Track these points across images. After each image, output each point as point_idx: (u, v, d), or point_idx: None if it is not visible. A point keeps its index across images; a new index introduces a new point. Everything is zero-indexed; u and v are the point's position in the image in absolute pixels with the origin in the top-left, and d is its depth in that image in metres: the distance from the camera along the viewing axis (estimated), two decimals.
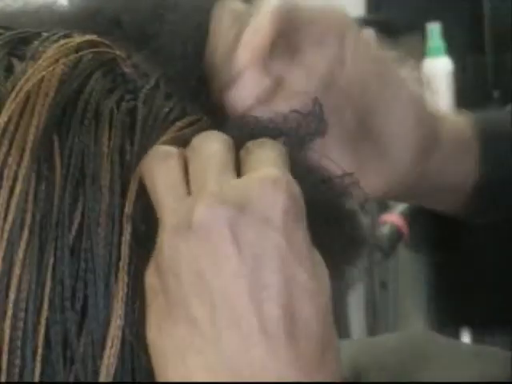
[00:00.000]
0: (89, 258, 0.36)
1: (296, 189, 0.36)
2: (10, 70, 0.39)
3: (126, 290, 0.36)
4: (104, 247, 0.36)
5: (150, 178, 0.37)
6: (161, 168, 0.37)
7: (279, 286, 0.35)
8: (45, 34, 0.41)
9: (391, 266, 1.74)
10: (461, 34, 1.78)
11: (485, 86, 1.73)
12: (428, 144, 0.49)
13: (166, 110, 0.40)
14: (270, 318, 0.35)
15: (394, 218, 1.40)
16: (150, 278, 0.36)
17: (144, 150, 0.38)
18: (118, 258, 0.37)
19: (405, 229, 1.38)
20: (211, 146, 0.38)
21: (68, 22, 0.44)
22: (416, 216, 1.48)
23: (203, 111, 0.41)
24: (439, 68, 1.68)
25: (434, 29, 1.68)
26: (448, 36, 1.69)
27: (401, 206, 1.44)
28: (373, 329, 1.72)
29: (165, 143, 0.39)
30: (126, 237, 0.37)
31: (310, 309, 0.35)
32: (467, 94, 1.72)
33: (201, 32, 0.43)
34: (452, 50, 1.69)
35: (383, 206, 1.56)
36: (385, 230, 1.37)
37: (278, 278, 0.35)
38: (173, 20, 0.43)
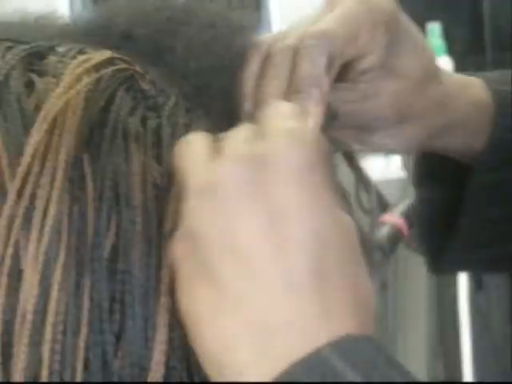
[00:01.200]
0: (126, 280, 0.36)
1: (313, 137, 0.36)
2: (29, 86, 0.38)
3: (168, 315, 0.36)
4: (140, 269, 0.36)
5: (179, 158, 0.37)
6: (188, 147, 0.37)
7: (301, 238, 0.35)
8: (59, 50, 0.41)
9: (391, 266, 1.74)
10: (461, 34, 1.78)
11: None
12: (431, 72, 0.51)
13: (189, 128, 0.40)
14: (293, 271, 0.34)
15: (393, 218, 1.40)
16: (177, 247, 0.36)
17: (171, 168, 0.38)
18: (156, 280, 0.36)
19: (405, 229, 1.38)
20: (238, 131, 0.38)
21: (77, 36, 0.44)
22: (416, 216, 1.48)
23: (219, 127, 0.41)
24: None
25: (434, 29, 1.68)
26: (448, 36, 1.69)
27: (401, 206, 1.44)
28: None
29: None
30: (166, 259, 0.36)
31: (334, 261, 0.35)
32: None
33: (215, 47, 0.43)
34: (452, 50, 1.69)
35: (383, 206, 1.56)
36: (385, 230, 1.37)
37: (300, 230, 0.35)
38: (187, 35, 0.43)
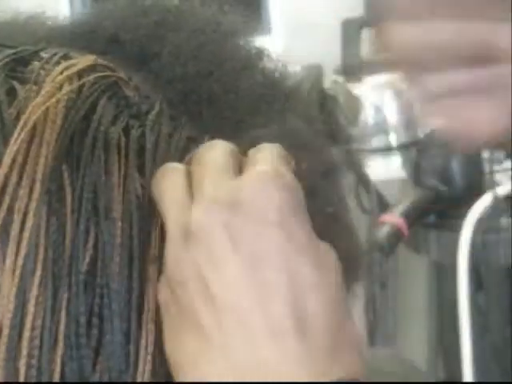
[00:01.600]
0: (104, 294, 0.35)
1: (291, 181, 0.36)
2: (11, 93, 0.38)
3: (151, 335, 0.36)
4: (120, 282, 0.36)
5: (157, 194, 0.37)
6: (166, 183, 0.37)
7: (281, 282, 0.34)
8: (43, 55, 0.40)
9: (391, 266, 1.74)
10: None
11: None
12: None
13: (175, 139, 0.39)
14: (275, 317, 0.34)
15: (393, 218, 1.40)
16: (161, 292, 0.36)
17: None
18: (136, 294, 0.36)
19: (405, 229, 1.38)
20: (211, 153, 0.38)
21: (64, 39, 0.43)
22: (416, 216, 1.48)
23: (204, 132, 0.41)
24: None
25: None
26: None
27: (401, 206, 1.44)
28: (373, 329, 1.72)
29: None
30: (151, 275, 0.36)
31: (316, 303, 0.35)
32: None
33: (202, 53, 0.43)
34: None
35: (383, 206, 1.56)
36: (385, 230, 1.37)
37: (280, 274, 0.35)
38: (174, 40, 0.42)
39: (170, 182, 0.37)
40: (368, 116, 1.67)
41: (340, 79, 1.70)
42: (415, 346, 1.81)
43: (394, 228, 1.38)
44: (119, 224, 0.36)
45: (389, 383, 0.58)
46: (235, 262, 0.34)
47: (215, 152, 0.38)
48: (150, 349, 0.36)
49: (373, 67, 1.76)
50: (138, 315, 0.36)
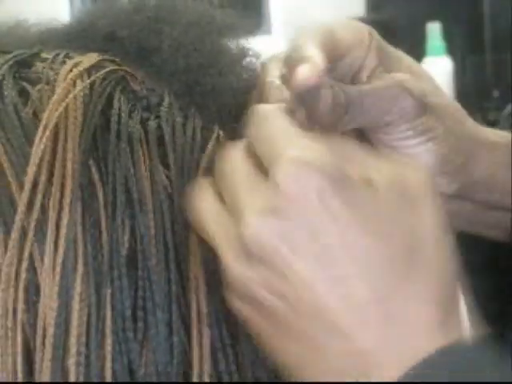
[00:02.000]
0: (146, 286, 0.35)
1: (320, 167, 0.34)
2: (23, 94, 0.38)
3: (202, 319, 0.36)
4: (159, 274, 0.35)
5: (196, 218, 0.36)
6: (201, 206, 0.36)
7: (357, 276, 0.34)
8: (45, 55, 0.40)
9: None
10: (461, 34, 1.78)
11: (485, 85, 1.73)
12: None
13: (189, 128, 0.39)
14: (363, 311, 0.34)
15: None
16: (235, 305, 0.35)
17: (179, 169, 0.38)
18: (176, 285, 0.35)
19: None
20: (230, 163, 0.37)
21: (59, 40, 0.43)
22: None
23: (210, 122, 0.41)
24: (439, 68, 1.68)
25: (434, 29, 1.68)
26: (448, 36, 1.69)
27: None
28: None
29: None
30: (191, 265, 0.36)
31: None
32: (467, 93, 1.72)
33: (202, 44, 0.43)
34: (452, 50, 1.70)
35: None
36: None
37: (354, 267, 0.34)
38: (172, 33, 0.43)
39: (204, 203, 0.36)
40: None
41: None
42: None
43: None
44: (152, 215, 0.36)
45: None
46: (303, 267, 0.34)
47: (234, 160, 0.37)
48: (207, 341, 0.35)
49: None
50: (178, 306, 0.35)
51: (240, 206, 0.35)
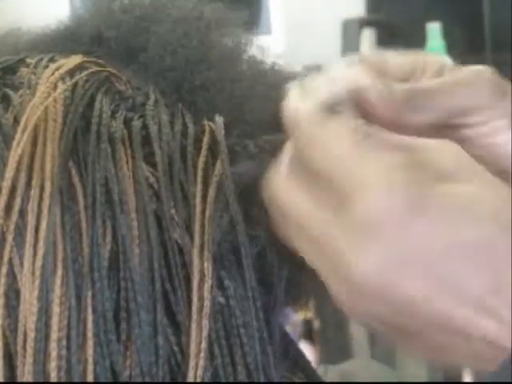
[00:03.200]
0: (129, 287, 0.35)
1: None
2: (5, 100, 0.38)
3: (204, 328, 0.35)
4: (142, 274, 0.35)
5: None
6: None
7: None
8: (29, 61, 0.40)
9: None
10: (461, 34, 1.78)
11: None
12: None
13: (176, 125, 0.39)
14: None
15: None
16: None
17: (167, 166, 0.37)
18: (160, 285, 0.35)
19: None
20: (287, 203, 0.34)
21: (46, 46, 0.43)
22: None
23: (199, 119, 0.41)
24: None
25: (434, 29, 1.68)
26: (448, 36, 1.69)
27: None
28: None
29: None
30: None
31: None
32: None
33: (189, 41, 0.43)
34: (452, 50, 1.69)
35: None
36: None
37: None
38: (158, 32, 0.42)
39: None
40: None
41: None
42: None
43: None
44: (134, 215, 0.36)
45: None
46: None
47: (285, 194, 0.34)
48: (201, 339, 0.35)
49: None
50: (164, 305, 0.35)
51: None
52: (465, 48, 1.77)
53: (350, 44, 1.75)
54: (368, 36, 1.86)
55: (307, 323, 1.72)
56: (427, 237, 0.31)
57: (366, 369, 0.63)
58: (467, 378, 1.41)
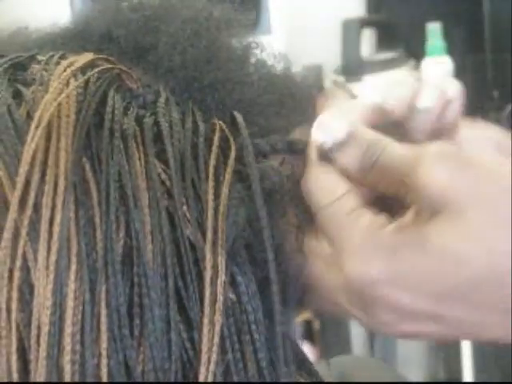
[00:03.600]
0: (142, 283, 0.35)
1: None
2: (18, 97, 0.38)
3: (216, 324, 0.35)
4: (155, 269, 0.35)
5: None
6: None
7: None
8: (40, 58, 0.40)
9: None
10: (461, 34, 1.78)
11: (485, 85, 1.73)
12: None
13: (187, 122, 0.39)
14: None
15: None
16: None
17: (179, 163, 0.38)
18: (175, 278, 0.35)
19: None
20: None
21: (55, 44, 0.44)
22: None
23: (208, 117, 0.41)
24: (439, 68, 1.68)
25: (434, 29, 1.68)
26: (448, 36, 1.69)
27: None
28: None
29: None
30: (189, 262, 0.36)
31: None
32: (467, 94, 1.71)
33: (199, 40, 0.43)
34: (452, 49, 1.69)
35: None
36: None
37: None
38: (168, 31, 0.43)
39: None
40: None
41: (340, 79, 1.70)
42: (415, 346, 1.81)
43: None
44: (147, 211, 0.36)
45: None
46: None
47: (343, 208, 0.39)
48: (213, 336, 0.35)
49: (373, 67, 1.76)
50: (177, 300, 0.35)
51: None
52: (465, 48, 1.77)
53: (349, 44, 1.75)
54: (368, 36, 1.85)
55: (307, 323, 1.72)
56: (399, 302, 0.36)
57: (364, 366, 0.63)
58: (467, 378, 1.41)
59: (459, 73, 1.69)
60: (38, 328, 0.34)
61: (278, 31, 1.88)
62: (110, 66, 0.40)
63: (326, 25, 1.82)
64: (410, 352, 1.81)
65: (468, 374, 1.41)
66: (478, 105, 1.71)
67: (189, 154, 0.38)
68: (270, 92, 0.44)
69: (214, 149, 0.39)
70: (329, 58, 1.75)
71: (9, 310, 0.34)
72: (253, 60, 0.45)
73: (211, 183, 0.38)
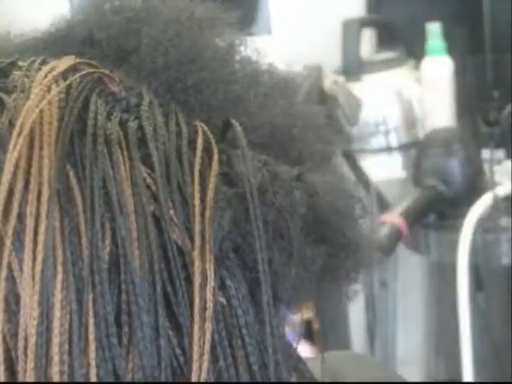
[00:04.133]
0: (130, 290, 0.34)
1: None
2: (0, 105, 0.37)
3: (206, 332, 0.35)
4: (143, 277, 0.35)
5: None
6: None
7: None
8: (21, 63, 0.40)
9: (391, 266, 1.74)
10: (461, 34, 1.78)
11: (485, 86, 1.73)
12: None
13: (171, 125, 0.39)
14: None
15: (393, 218, 1.40)
16: None
17: (164, 166, 0.37)
18: (161, 287, 0.35)
19: (405, 229, 1.38)
20: None
21: (36, 48, 0.43)
22: (416, 216, 1.48)
23: (191, 118, 0.41)
24: (439, 68, 1.68)
25: (434, 29, 1.68)
26: (448, 36, 1.69)
27: (401, 206, 1.44)
28: (373, 329, 1.72)
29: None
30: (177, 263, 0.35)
31: None
32: (467, 94, 1.72)
33: (181, 41, 0.43)
34: (452, 50, 1.69)
35: (383, 206, 1.56)
36: (385, 230, 1.37)
37: None
38: (150, 32, 0.43)
39: None
40: (368, 116, 1.67)
41: (340, 79, 1.70)
42: (415, 346, 1.82)
43: (394, 228, 1.38)
44: (133, 217, 0.35)
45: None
46: None
47: None
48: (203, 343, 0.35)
49: (373, 67, 1.76)
50: (165, 307, 0.35)
51: None
52: (465, 48, 1.77)
53: (349, 44, 1.75)
54: (368, 36, 1.85)
55: (307, 323, 1.72)
56: None
57: (357, 364, 0.63)
58: (467, 378, 1.41)
59: (459, 73, 1.69)
60: (25, 339, 0.33)
61: (277, 31, 1.88)
62: (91, 69, 0.40)
63: (326, 25, 1.82)
64: (410, 352, 1.81)
65: (468, 374, 1.41)
66: (478, 105, 1.71)
67: (174, 158, 0.38)
68: (255, 88, 0.44)
69: (198, 152, 0.38)
70: (329, 58, 1.75)
71: None
72: (237, 58, 0.45)
73: (197, 187, 0.37)
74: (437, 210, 1.49)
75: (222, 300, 0.37)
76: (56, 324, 0.33)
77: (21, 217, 0.34)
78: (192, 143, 0.39)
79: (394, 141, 1.71)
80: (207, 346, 0.35)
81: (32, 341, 0.33)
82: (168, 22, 0.43)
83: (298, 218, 0.40)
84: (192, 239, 0.36)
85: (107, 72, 0.40)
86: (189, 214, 0.37)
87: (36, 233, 0.34)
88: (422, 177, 1.50)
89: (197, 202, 0.37)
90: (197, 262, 0.36)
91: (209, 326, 0.35)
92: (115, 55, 0.42)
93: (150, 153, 0.37)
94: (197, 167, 0.38)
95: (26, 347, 0.33)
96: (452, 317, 1.45)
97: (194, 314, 0.35)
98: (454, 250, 1.40)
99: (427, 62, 1.68)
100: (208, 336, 0.35)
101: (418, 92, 1.70)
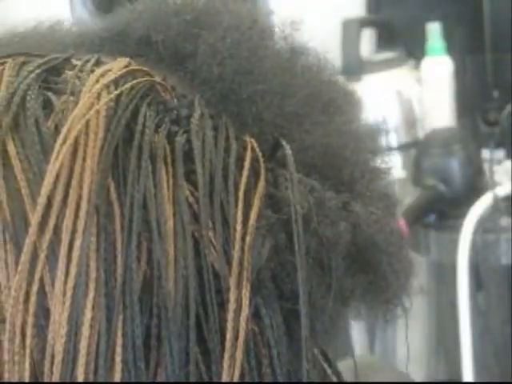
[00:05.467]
0: (161, 314, 0.33)
1: None
2: (47, 106, 0.36)
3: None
4: (177, 302, 0.33)
5: None
6: None
7: None
8: (75, 62, 0.39)
9: None
10: (461, 34, 1.78)
11: (485, 86, 1.73)
12: None
13: (220, 141, 0.37)
14: None
15: None
16: None
17: (209, 185, 0.36)
18: (195, 313, 0.34)
19: (405, 229, 1.38)
20: None
21: (92, 44, 0.42)
22: (416, 216, 1.48)
23: (242, 132, 0.39)
24: (439, 68, 1.68)
25: (434, 29, 1.68)
26: (448, 36, 1.69)
27: (401, 206, 1.44)
28: (373, 328, 1.72)
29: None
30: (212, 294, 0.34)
31: None
32: (467, 94, 1.71)
33: (239, 51, 0.41)
34: (452, 50, 1.69)
35: None
36: None
37: None
38: (209, 39, 0.41)
39: None
40: (368, 116, 1.67)
41: (340, 79, 1.69)
42: (415, 346, 1.81)
43: None
44: (172, 239, 0.34)
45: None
46: None
47: None
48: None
49: (373, 67, 1.76)
50: (197, 332, 0.34)
51: None
52: (465, 48, 1.77)
53: (349, 44, 1.75)
54: (368, 36, 1.85)
55: None
56: None
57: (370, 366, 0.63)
58: (467, 378, 1.41)
59: (459, 73, 1.69)
60: (52, 356, 0.33)
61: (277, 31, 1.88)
62: (144, 77, 0.38)
63: (325, 25, 1.82)
64: (410, 352, 1.81)
65: (468, 374, 1.41)
66: (478, 105, 1.71)
67: (219, 176, 0.36)
68: (311, 104, 0.42)
69: (245, 172, 0.37)
70: (329, 57, 1.75)
71: (23, 335, 0.33)
72: (298, 68, 0.43)
73: (241, 209, 0.36)
74: (437, 210, 1.49)
75: (255, 328, 0.36)
76: (83, 344, 0.33)
77: (57, 230, 0.33)
78: (240, 160, 0.38)
79: (393, 141, 1.71)
80: (237, 375, 0.34)
81: (58, 358, 0.32)
82: (228, 28, 0.42)
83: (340, 249, 0.39)
84: (230, 264, 0.35)
85: (159, 81, 0.39)
86: (229, 237, 0.36)
87: (71, 248, 0.33)
88: (421, 177, 1.50)
89: (239, 226, 0.36)
90: (232, 289, 0.35)
91: (240, 354, 0.34)
92: (170, 59, 0.41)
93: (196, 169, 0.36)
94: (242, 188, 0.37)
95: (52, 364, 0.33)
96: (452, 317, 1.45)
97: (226, 342, 0.34)
98: (454, 250, 1.40)
99: (427, 62, 1.68)
100: (238, 365, 0.34)
101: (418, 92, 1.70)
